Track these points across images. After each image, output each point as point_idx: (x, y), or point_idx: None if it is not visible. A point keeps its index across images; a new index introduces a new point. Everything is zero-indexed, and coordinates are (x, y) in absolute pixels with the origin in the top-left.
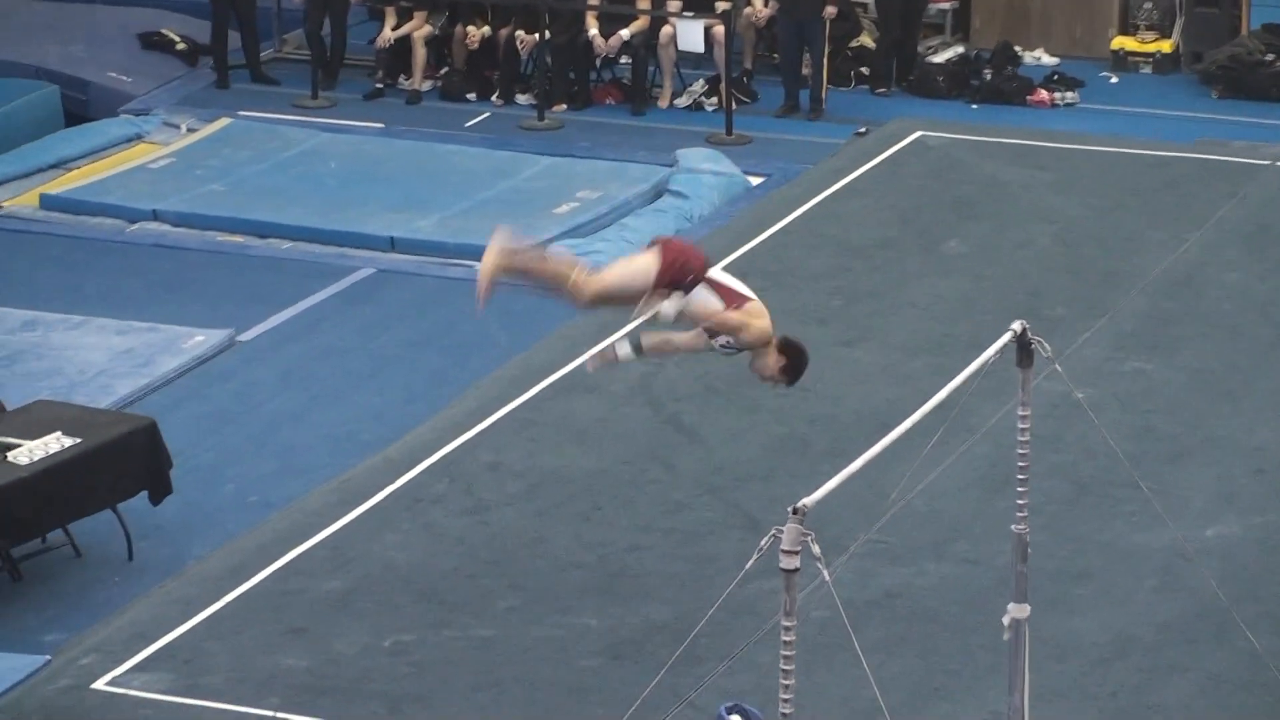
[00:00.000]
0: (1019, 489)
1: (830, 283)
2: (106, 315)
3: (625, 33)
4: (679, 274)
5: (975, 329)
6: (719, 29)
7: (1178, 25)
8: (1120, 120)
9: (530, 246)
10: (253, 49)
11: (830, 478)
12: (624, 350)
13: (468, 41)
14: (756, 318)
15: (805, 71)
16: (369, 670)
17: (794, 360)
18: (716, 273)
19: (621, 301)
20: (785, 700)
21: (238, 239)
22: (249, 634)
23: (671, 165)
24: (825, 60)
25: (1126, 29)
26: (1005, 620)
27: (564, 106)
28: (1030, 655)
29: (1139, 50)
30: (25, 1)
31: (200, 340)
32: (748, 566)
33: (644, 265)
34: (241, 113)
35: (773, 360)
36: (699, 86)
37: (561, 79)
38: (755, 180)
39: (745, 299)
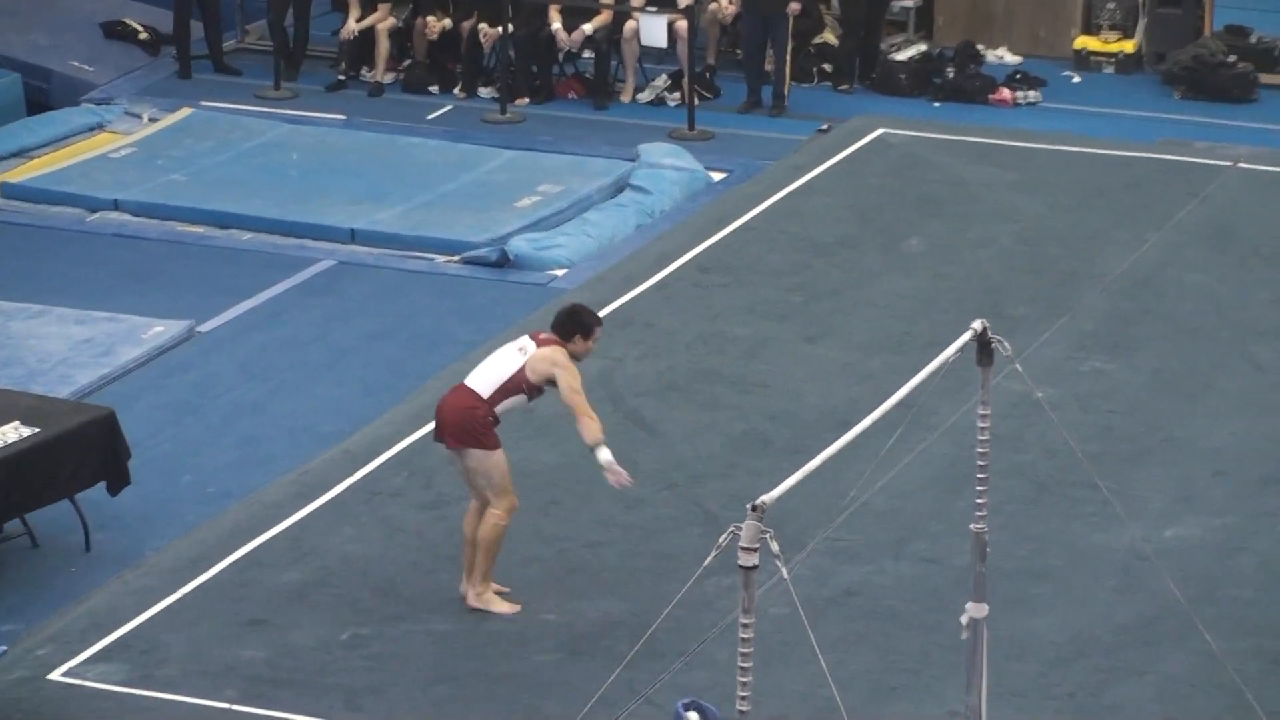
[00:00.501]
0: (978, 488)
1: (791, 279)
2: (66, 304)
3: (588, 27)
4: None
5: (935, 327)
6: (682, 24)
7: (1140, 25)
8: (1082, 120)
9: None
10: (215, 39)
11: (790, 475)
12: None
13: (429, 33)
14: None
15: (768, 68)
16: (327, 663)
17: (567, 323)
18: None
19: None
20: (743, 697)
21: (198, 229)
22: (206, 625)
23: (633, 160)
24: (788, 56)
25: (1089, 29)
26: (963, 619)
27: (526, 100)
28: (988, 654)
29: (1102, 50)
30: None
31: (160, 331)
32: (706, 563)
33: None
34: (203, 103)
35: (563, 357)
36: (661, 81)
37: (524, 72)
38: (717, 176)
39: (522, 374)
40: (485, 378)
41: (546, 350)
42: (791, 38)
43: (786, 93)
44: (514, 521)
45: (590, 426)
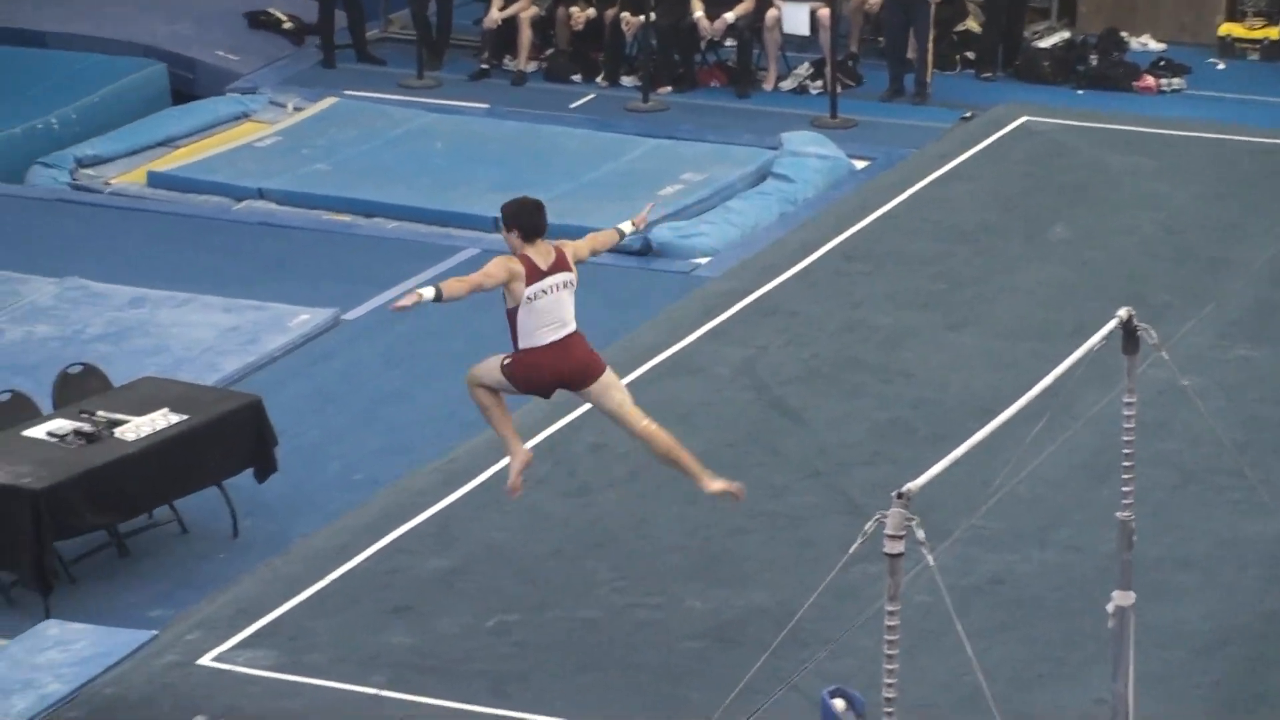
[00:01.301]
0: (1124, 476)
1: (934, 267)
2: (213, 293)
3: (730, 15)
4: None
5: (1079, 315)
6: (825, 12)
7: None
8: (1226, 107)
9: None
10: (359, 29)
11: (934, 463)
12: (428, 293)
13: (572, 23)
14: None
15: (910, 55)
16: (472, 650)
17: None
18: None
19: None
20: (889, 684)
21: (343, 218)
22: (353, 612)
23: (776, 148)
24: (930, 44)
25: (1234, 15)
26: (1110, 607)
27: (669, 89)
28: (1134, 643)
29: (1246, 37)
30: None
31: (305, 319)
32: (852, 550)
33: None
34: (347, 92)
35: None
36: (804, 70)
37: (666, 61)
38: (860, 164)
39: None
40: (574, 317)
41: (579, 253)
42: (934, 25)
43: (929, 80)
44: (656, 510)
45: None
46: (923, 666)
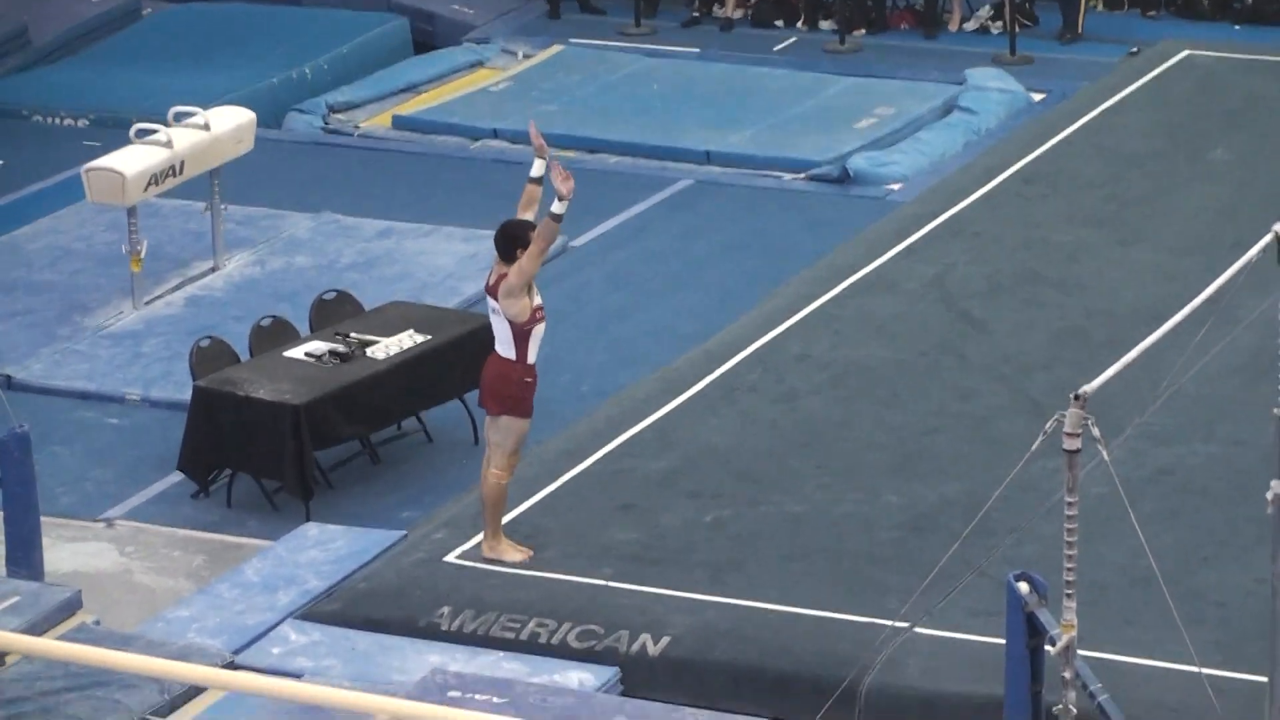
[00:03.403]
0: None
1: (1105, 189)
2: (453, 224)
3: None
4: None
5: (1238, 230)
6: None
7: None
8: None
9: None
10: None
11: (1108, 366)
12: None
13: None
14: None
15: None
16: (692, 542)
17: (504, 244)
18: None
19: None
20: (1069, 569)
21: (570, 154)
22: (583, 511)
23: (961, 84)
24: None
25: None
26: (1269, 495)
27: (863, 31)
28: None
29: None
30: None
31: None
32: (1034, 447)
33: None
34: (571, 40)
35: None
36: (985, 12)
37: (861, 6)
38: (1037, 96)
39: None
40: (501, 342)
41: (501, 296)
42: None
43: (1081, 20)
44: (857, 412)
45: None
46: (1099, 552)
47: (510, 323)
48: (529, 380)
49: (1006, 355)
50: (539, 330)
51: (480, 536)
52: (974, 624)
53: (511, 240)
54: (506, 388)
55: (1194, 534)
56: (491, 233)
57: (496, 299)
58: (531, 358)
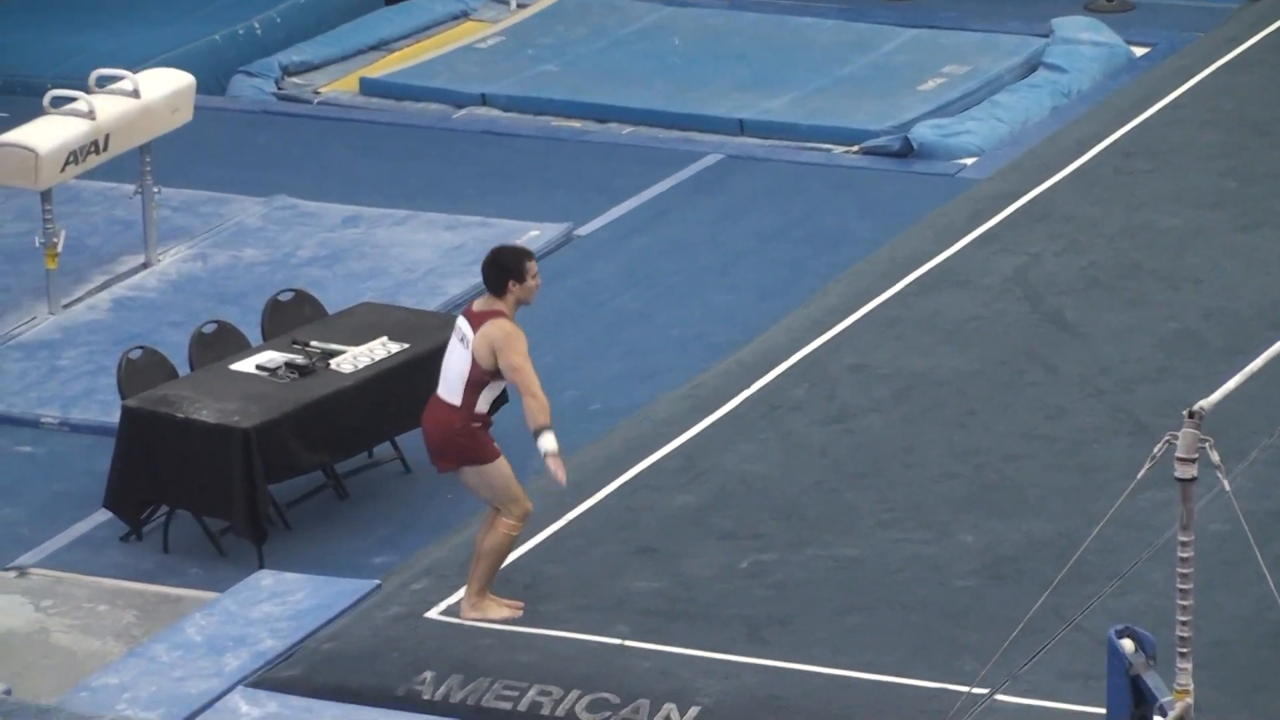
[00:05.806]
0: None
1: (1224, 162)
2: (434, 209)
3: None
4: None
5: None
6: None
7: None
8: None
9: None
10: None
11: (1228, 377)
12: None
13: None
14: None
15: None
16: (726, 593)
17: (493, 275)
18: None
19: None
20: (1182, 622)
21: (574, 124)
22: (594, 555)
23: (1047, 36)
24: None
25: None
26: None
27: None
28: None
29: None
30: None
31: (536, 234)
32: (1139, 476)
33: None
34: None
35: (499, 331)
36: None
37: None
38: (1139, 51)
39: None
40: (449, 382)
41: (484, 330)
42: None
43: None
44: (923, 435)
45: (534, 407)
46: (1220, 601)
47: (475, 362)
48: (475, 426)
49: (1105, 365)
50: (500, 387)
51: (466, 592)
52: (1068, 689)
53: (503, 271)
54: (449, 439)
55: None
56: (479, 220)
57: (474, 326)
58: (481, 408)
